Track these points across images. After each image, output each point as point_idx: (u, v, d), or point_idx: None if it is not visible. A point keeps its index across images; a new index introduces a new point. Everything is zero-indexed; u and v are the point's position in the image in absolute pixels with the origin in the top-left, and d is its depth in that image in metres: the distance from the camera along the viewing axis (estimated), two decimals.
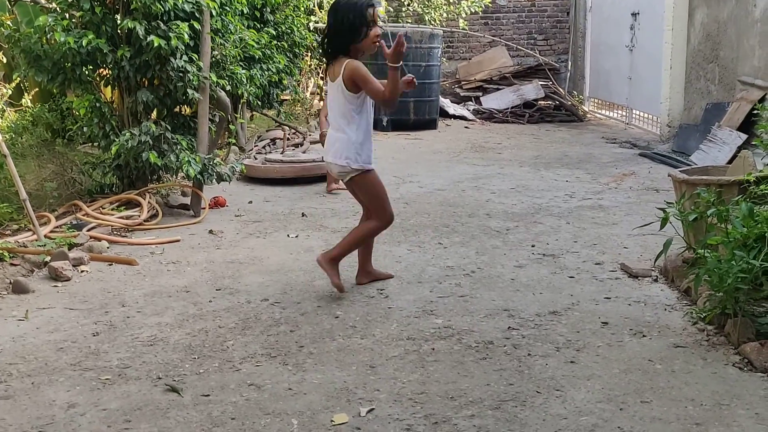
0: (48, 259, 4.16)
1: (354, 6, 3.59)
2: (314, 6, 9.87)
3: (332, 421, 2.54)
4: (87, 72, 5.24)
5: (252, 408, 2.64)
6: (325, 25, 10.22)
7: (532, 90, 11.19)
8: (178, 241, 4.80)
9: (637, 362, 2.92)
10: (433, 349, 3.10)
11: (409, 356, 3.04)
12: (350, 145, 3.70)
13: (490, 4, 11.82)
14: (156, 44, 4.93)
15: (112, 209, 5.25)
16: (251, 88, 6.39)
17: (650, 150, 8.22)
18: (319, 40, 3.95)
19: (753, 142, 4.41)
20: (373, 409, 2.61)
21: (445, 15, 11.55)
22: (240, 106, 7.77)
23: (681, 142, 8.02)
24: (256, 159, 7.22)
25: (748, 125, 6.63)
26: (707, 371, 2.82)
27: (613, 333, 3.23)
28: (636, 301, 3.61)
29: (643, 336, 3.18)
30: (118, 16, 5.11)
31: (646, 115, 9.79)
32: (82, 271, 4.17)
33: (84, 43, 4.87)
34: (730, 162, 5.69)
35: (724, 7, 7.48)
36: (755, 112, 5.66)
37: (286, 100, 9.95)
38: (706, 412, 2.51)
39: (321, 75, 11.26)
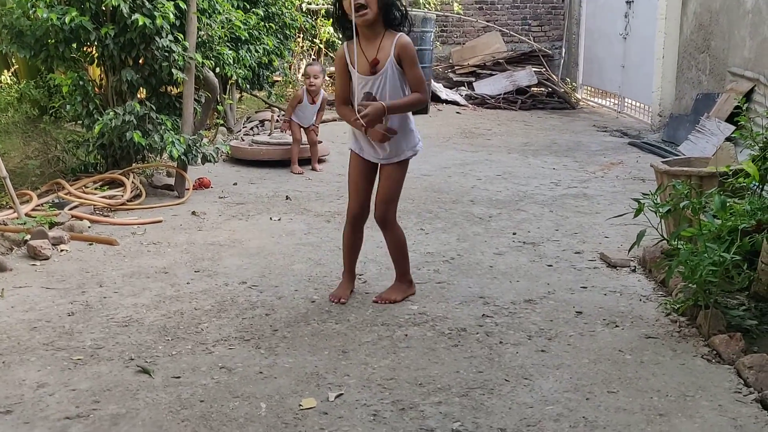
0: (27, 237, 4.15)
1: None
2: None
3: (300, 405, 2.55)
4: (70, 49, 5.19)
5: (221, 391, 2.65)
6: (319, 6, 10.11)
7: (525, 76, 11.14)
8: (160, 221, 4.79)
9: (607, 352, 2.94)
10: (406, 335, 3.12)
11: (381, 342, 3.05)
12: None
13: None
14: (141, 23, 4.88)
15: (95, 188, 5.23)
16: (239, 69, 6.36)
17: (640, 139, 8.21)
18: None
19: (733, 134, 4.41)
20: (341, 394, 2.62)
21: None
22: (229, 86, 7.73)
23: (671, 131, 8.02)
24: (243, 140, 7.19)
25: (736, 116, 6.62)
26: (675, 362, 2.84)
27: (586, 322, 3.24)
28: (612, 291, 3.63)
29: (616, 326, 3.20)
30: None
31: (637, 104, 9.77)
32: (61, 251, 4.16)
33: (67, 20, 4.83)
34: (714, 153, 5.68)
35: None
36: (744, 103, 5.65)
37: (277, 81, 9.89)
38: (670, 403, 2.53)
39: (313, 57, 11.21)
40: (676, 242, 3.17)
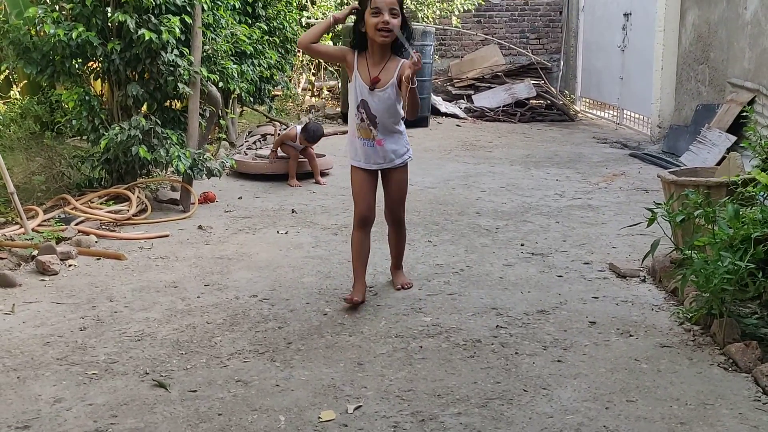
0: (35, 252, 4.14)
1: None
2: (306, 1, 9.86)
3: (319, 417, 2.54)
4: (76, 65, 5.21)
5: (239, 404, 2.63)
6: (317, 20, 10.20)
7: (524, 89, 11.20)
8: (166, 236, 4.79)
9: (623, 361, 2.94)
10: (421, 347, 3.11)
11: (396, 354, 3.04)
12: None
13: (483, 3, 11.85)
14: (147, 38, 4.91)
15: (101, 203, 5.22)
16: (242, 83, 6.38)
17: (640, 150, 8.25)
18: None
19: (741, 144, 4.44)
20: (360, 406, 2.61)
21: (438, 12, 11.55)
22: (231, 101, 7.75)
23: (671, 142, 8.06)
24: (246, 154, 7.20)
25: (737, 127, 6.67)
26: (693, 371, 2.84)
27: (600, 332, 3.24)
28: (623, 301, 3.63)
29: (630, 336, 3.20)
30: (109, 9, 5.08)
31: (637, 116, 9.82)
32: (69, 266, 4.15)
33: (74, 36, 4.85)
34: (719, 163, 5.71)
35: (715, 9, 7.52)
36: (744, 114, 5.69)
37: (277, 95, 9.93)
38: (690, 412, 2.53)
39: (312, 71, 11.27)
40: (689, 251, 3.17)
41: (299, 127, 6.62)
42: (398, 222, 3.80)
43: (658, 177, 4.44)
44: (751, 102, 6.53)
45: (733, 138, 6.64)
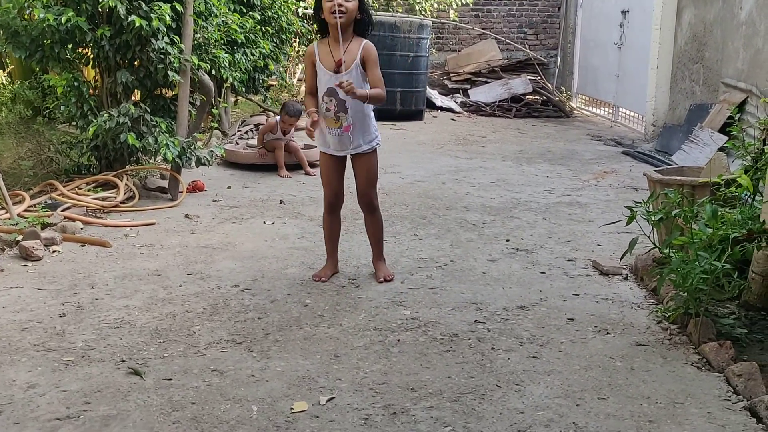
0: (19, 238, 4.14)
1: None
2: None
3: (292, 408, 2.54)
4: (66, 50, 5.19)
5: (213, 393, 2.64)
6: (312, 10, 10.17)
7: (520, 84, 11.19)
8: (153, 224, 4.79)
9: (598, 359, 2.95)
10: (399, 340, 3.12)
11: (374, 347, 3.05)
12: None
13: None
14: (137, 24, 4.89)
15: (89, 190, 5.22)
16: (236, 72, 6.37)
17: (634, 148, 8.25)
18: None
19: (725, 144, 4.45)
20: (333, 398, 2.62)
21: (435, 6, 11.52)
22: (224, 90, 7.74)
23: (664, 141, 8.06)
24: (238, 144, 7.20)
25: (729, 127, 6.66)
26: (666, 370, 2.85)
27: (577, 330, 3.25)
28: (604, 299, 3.64)
29: (607, 333, 3.21)
30: None
31: (632, 114, 9.82)
32: (53, 252, 4.15)
33: (63, 21, 4.83)
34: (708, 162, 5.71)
35: (711, 9, 7.51)
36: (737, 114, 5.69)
37: (272, 85, 9.91)
38: (660, 410, 2.54)
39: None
40: (668, 250, 3.18)
41: (278, 118, 6.67)
42: (371, 207, 3.85)
43: (644, 175, 4.45)
44: (743, 103, 6.53)
45: (725, 138, 6.63)
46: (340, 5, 3.46)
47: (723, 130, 6.75)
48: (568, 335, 3.19)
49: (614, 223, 3.86)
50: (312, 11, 3.67)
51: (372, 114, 3.76)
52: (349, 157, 3.78)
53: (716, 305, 3.26)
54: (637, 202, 3.35)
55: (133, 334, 3.13)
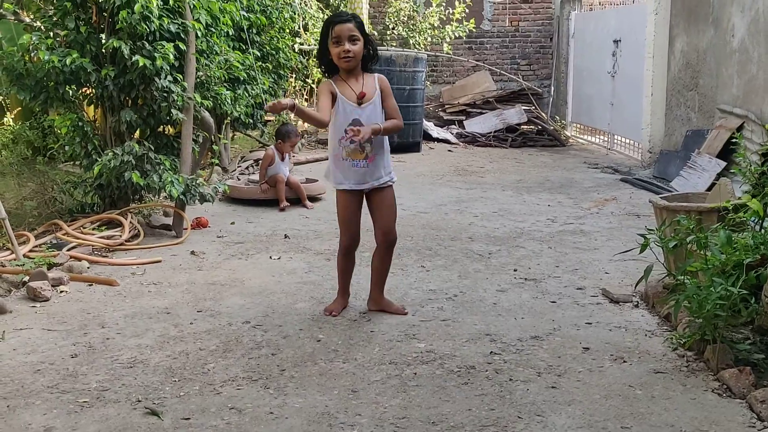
0: (26, 278, 4.11)
1: (323, 25, 3.67)
2: (299, 28, 9.94)
3: None
4: (70, 91, 5.22)
5: None
6: (311, 46, 10.27)
7: (515, 114, 11.29)
8: (159, 261, 4.77)
9: (617, 388, 2.93)
10: (415, 373, 3.10)
11: (390, 381, 3.03)
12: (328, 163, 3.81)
13: (474, 29, 11.96)
14: (141, 64, 4.93)
15: (93, 229, 5.21)
16: (239, 108, 6.41)
17: (631, 175, 8.31)
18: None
19: (731, 170, 4.48)
20: None
21: (429, 39, 11.66)
22: (224, 126, 7.78)
23: (662, 167, 8.12)
24: (239, 180, 7.21)
25: (726, 153, 6.73)
26: (686, 397, 2.83)
27: (593, 358, 3.24)
28: (617, 327, 3.63)
29: (624, 361, 3.20)
30: (103, 36, 5.11)
31: (627, 141, 9.91)
32: (61, 292, 4.13)
33: (68, 62, 4.87)
34: (709, 189, 5.75)
35: (703, 37, 7.62)
36: (733, 139, 5.75)
37: (270, 120, 9.96)
38: None
39: (305, 96, 11.31)
40: (682, 277, 3.19)
41: (272, 147, 6.75)
42: (394, 243, 3.84)
43: (650, 202, 4.48)
44: (740, 128, 6.60)
45: (723, 163, 6.70)
46: (347, 51, 3.55)
47: (721, 155, 6.81)
48: (585, 364, 3.18)
49: (626, 252, 3.86)
50: (315, 49, 3.71)
51: (388, 147, 3.79)
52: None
53: (731, 331, 3.25)
54: (650, 230, 3.37)
55: (147, 373, 3.10)
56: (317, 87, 3.79)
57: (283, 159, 6.73)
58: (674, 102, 8.37)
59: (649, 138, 8.79)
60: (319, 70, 9.86)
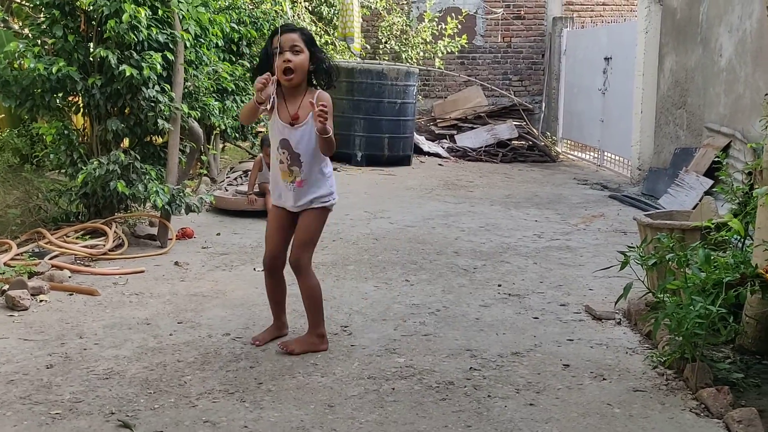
0: (5, 287, 4.07)
1: (270, 35, 3.46)
2: None
3: None
4: (56, 99, 5.20)
5: None
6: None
7: (506, 130, 11.33)
8: (142, 272, 4.74)
9: (595, 406, 2.92)
10: (393, 388, 3.07)
11: (368, 396, 3.01)
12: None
13: (466, 45, 12.01)
14: (128, 73, 4.92)
15: (77, 238, 5.17)
16: (227, 119, 6.40)
17: (620, 192, 8.33)
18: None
19: (715, 189, 4.49)
20: None
21: (421, 54, 11.70)
22: (213, 137, 7.76)
23: (650, 185, 8.14)
24: (227, 191, 7.19)
25: (714, 171, 6.75)
26: (664, 416, 2.82)
27: (573, 376, 3.22)
28: (598, 344, 3.62)
29: (604, 379, 3.18)
30: (91, 44, 5.09)
31: (617, 158, 9.94)
32: (40, 301, 4.09)
33: (54, 70, 4.85)
34: (695, 207, 5.77)
35: (692, 56, 7.67)
36: (717, 158, 5.77)
37: (261, 132, 9.95)
38: None
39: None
40: (662, 295, 3.18)
41: (261, 156, 6.76)
42: (297, 268, 3.49)
43: (635, 220, 4.48)
44: (727, 147, 6.63)
45: (710, 182, 6.72)
46: (287, 61, 3.30)
47: (708, 173, 6.84)
48: (565, 381, 3.16)
49: (608, 268, 3.86)
50: (258, 67, 3.48)
51: (329, 171, 3.52)
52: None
53: (711, 350, 3.25)
54: (630, 247, 3.36)
55: (122, 385, 3.07)
56: None
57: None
58: (663, 120, 8.41)
59: (638, 155, 8.82)
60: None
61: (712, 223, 3.64)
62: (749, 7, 6.49)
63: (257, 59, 3.54)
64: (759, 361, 3.23)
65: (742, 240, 3.52)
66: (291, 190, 3.46)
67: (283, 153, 3.42)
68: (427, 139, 11.43)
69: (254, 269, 4.88)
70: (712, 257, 3.11)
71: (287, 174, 3.45)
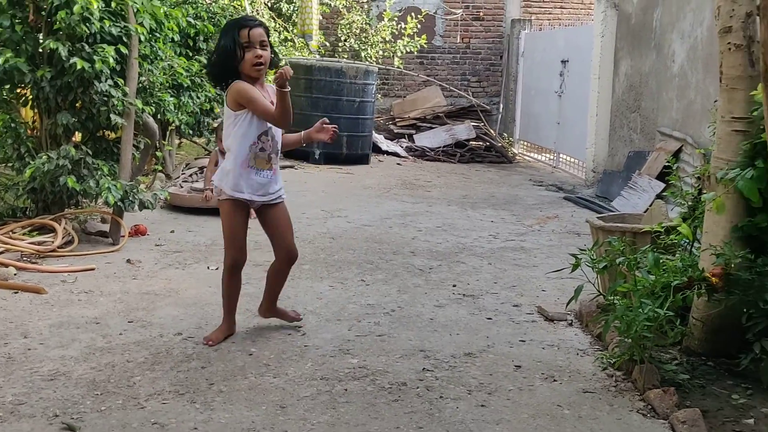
0: None
1: (227, 28, 3.48)
2: None
3: None
4: (3, 91, 5.06)
5: None
6: None
7: (464, 130, 11.40)
8: (92, 269, 4.63)
9: (546, 407, 2.95)
10: (346, 389, 3.06)
11: (320, 397, 2.99)
12: (222, 169, 3.58)
13: (425, 45, 12.05)
14: (79, 66, 4.80)
15: (24, 234, 5.04)
16: (182, 116, 6.30)
17: (575, 194, 8.45)
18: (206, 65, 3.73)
19: (666, 193, 4.58)
20: None
21: (381, 52, 11.70)
22: (168, 133, 7.64)
23: (604, 187, 8.28)
24: (182, 187, 7.09)
25: (666, 174, 6.90)
26: (612, 417, 2.86)
27: (525, 377, 3.25)
28: (550, 345, 3.66)
29: (554, 380, 3.22)
30: (41, 36, 4.96)
31: (572, 160, 10.08)
32: None
33: (1, 62, 4.71)
34: (648, 210, 5.88)
35: (646, 60, 7.82)
36: (668, 163, 5.89)
37: (216, 129, 9.84)
38: None
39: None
40: (612, 297, 3.23)
41: (217, 148, 6.69)
42: (295, 260, 3.72)
43: (587, 222, 4.54)
44: (679, 151, 6.78)
45: (662, 185, 6.86)
46: (260, 56, 3.39)
47: (660, 176, 6.98)
48: (516, 383, 3.19)
49: (560, 270, 3.91)
50: (221, 60, 3.46)
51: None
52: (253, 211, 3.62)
53: (659, 351, 3.31)
54: (581, 250, 3.41)
55: (68, 386, 3.00)
56: (232, 89, 3.45)
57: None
58: (618, 123, 8.56)
59: (593, 157, 8.96)
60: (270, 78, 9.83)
61: (662, 227, 3.71)
62: (700, 15, 6.64)
63: (216, 53, 3.50)
64: (704, 363, 3.30)
65: (691, 244, 3.59)
66: (268, 178, 3.52)
67: (266, 141, 3.49)
68: (385, 138, 11.44)
69: (208, 267, 4.82)
70: (661, 261, 3.17)
71: (265, 162, 3.51)
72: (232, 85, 3.45)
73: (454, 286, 4.64)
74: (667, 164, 6.45)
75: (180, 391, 2.99)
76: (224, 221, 3.60)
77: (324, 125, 3.57)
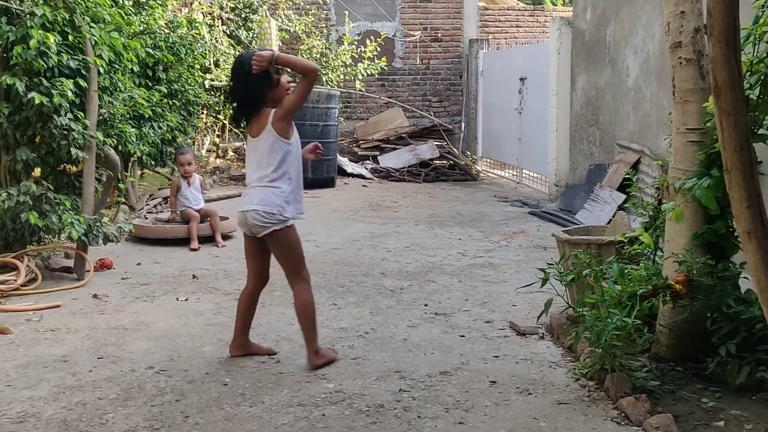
0: None
1: (246, 61, 3.55)
2: (210, 64, 9.86)
3: None
4: None
5: None
6: (222, 82, 10.16)
7: (427, 150, 11.50)
8: (58, 306, 4.56)
9: (522, 421, 2.98)
10: (324, 414, 3.05)
11: (298, 423, 2.98)
12: (281, 195, 3.55)
13: (386, 67, 12.16)
14: (37, 101, 4.75)
15: None
16: (143, 146, 6.26)
17: (539, 208, 8.56)
18: (230, 99, 3.77)
19: (627, 204, 4.68)
20: None
21: (342, 76, 11.77)
22: (131, 164, 7.58)
23: (567, 200, 8.41)
24: (146, 218, 7.02)
25: (626, 186, 7.04)
26: (588, 427, 2.90)
27: (500, 392, 3.28)
28: (523, 359, 3.70)
29: (529, 394, 3.25)
30: None
31: (535, 175, 10.23)
32: None
33: None
34: (610, 221, 5.99)
35: (602, 75, 8.00)
36: (627, 175, 6.01)
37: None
38: None
39: (217, 133, 11.19)
40: (581, 309, 3.28)
41: (179, 175, 6.74)
42: (267, 281, 3.90)
43: (553, 236, 4.61)
44: (637, 162, 6.93)
45: (623, 196, 6.99)
46: (289, 80, 3.61)
47: (621, 188, 7.12)
48: (492, 398, 3.21)
49: (529, 285, 3.96)
50: (252, 85, 3.53)
51: None
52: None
53: (629, 359, 3.37)
54: (549, 264, 3.46)
55: (38, 428, 2.94)
56: (277, 114, 3.53)
57: (189, 184, 6.68)
58: (578, 137, 8.72)
59: (555, 172, 9.11)
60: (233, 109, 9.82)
61: (626, 238, 3.79)
62: (651, 30, 6.84)
63: (247, 84, 3.53)
64: (673, 368, 3.37)
65: (654, 253, 3.67)
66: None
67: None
68: (350, 160, 11.49)
69: (177, 299, 4.77)
70: (627, 270, 3.24)
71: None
72: (266, 112, 3.52)
73: (426, 305, 4.66)
74: (627, 176, 6.61)
75: (155, 425, 2.95)
76: (294, 245, 3.66)
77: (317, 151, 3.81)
